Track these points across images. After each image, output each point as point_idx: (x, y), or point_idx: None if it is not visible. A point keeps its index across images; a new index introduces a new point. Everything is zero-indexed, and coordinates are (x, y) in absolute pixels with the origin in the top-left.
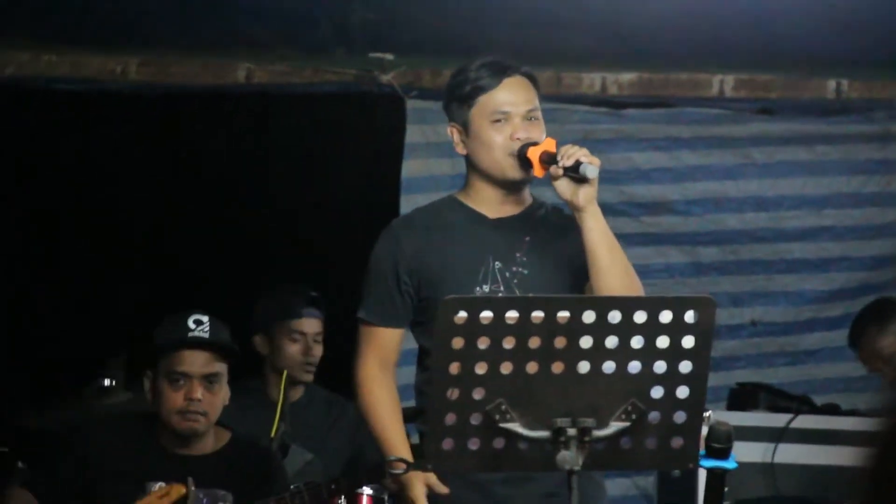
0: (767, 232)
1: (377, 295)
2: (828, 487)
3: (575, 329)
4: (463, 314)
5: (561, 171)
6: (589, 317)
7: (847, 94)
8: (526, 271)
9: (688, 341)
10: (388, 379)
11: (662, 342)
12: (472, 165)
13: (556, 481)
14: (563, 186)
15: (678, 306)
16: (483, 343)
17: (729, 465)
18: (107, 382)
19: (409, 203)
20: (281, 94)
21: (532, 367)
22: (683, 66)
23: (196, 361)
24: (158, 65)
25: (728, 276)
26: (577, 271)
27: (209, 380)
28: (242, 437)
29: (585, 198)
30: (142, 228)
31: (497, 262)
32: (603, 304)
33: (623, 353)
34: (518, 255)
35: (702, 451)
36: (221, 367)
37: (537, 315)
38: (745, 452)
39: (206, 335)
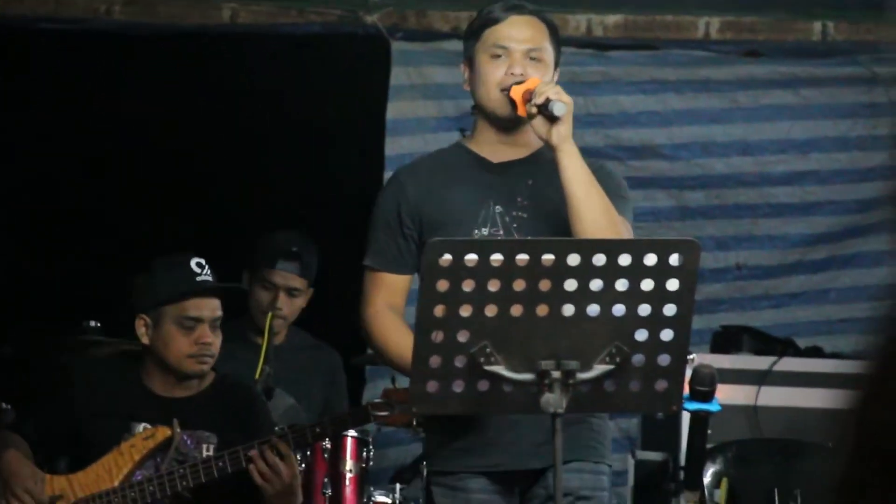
0: (753, 176)
1: (382, 241)
2: (811, 430)
3: (560, 272)
4: (448, 257)
5: (535, 110)
6: (574, 259)
7: (833, 37)
8: (526, 215)
9: (672, 284)
10: (397, 317)
11: (647, 285)
12: (474, 101)
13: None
14: (538, 125)
15: (663, 249)
16: (468, 286)
17: (712, 407)
18: (92, 323)
19: (393, 145)
20: (265, 35)
21: (517, 310)
22: (669, 8)
23: (208, 307)
24: (143, 4)
25: (713, 219)
26: None
27: (214, 323)
28: (226, 377)
29: (559, 136)
30: (123, 169)
31: (497, 206)
32: (588, 247)
33: (608, 296)
34: (519, 199)
35: (686, 393)
36: (221, 310)
37: (522, 258)
38: (729, 395)
39: (212, 279)
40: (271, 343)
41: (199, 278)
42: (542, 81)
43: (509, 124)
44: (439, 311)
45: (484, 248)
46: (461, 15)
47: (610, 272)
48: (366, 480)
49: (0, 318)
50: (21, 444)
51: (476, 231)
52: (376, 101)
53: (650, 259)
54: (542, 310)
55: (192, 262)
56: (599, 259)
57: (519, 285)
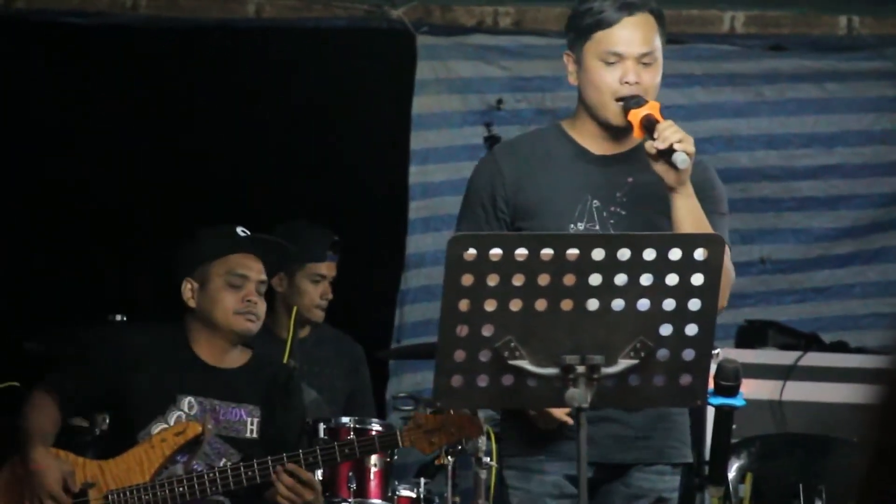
0: (778, 170)
1: (473, 221)
2: (836, 425)
3: (584, 266)
4: (472, 251)
5: (654, 151)
6: (598, 254)
7: (858, 31)
8: (624, 212)
9: (697, 279)
10: None
11: (672, 280)
12: (580, 97)
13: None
14: (657, 164)
15: (687, 244)
16: (492, 280)
17: (737, 402)
18: (118, 317)
19: (419, 140)
20: (290, 29)
21: (541, 305)
22: (694, 2)
23: (253, 266)
24: None
25: (738, 213)
26: None
27: (259, 288)
28: (263, 354)
29: (677, 180)
30: (147, 165)
31: (595, 201)
32: (612, 242)
33: (632, 291)
34: (618, 194)
35: (710, 388)
36: (266, 278)
37: (546, 252)
38: (754, 390)
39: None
40: (297, 337)
41: (244, 237)
42: (666, 123)
43: (618, 131)
44: (464, 305)
45: (508, 243)
46: (486, 9)
47: (635, 267)
48: (390, 475)
49: (25, 316)
50: (49, 427)
51: (572, 225)
52: (402, 96)
53: (675, 254)
54: (566, 304)
55: (237, 228)
56: (624, 254)
57: (543, 280)
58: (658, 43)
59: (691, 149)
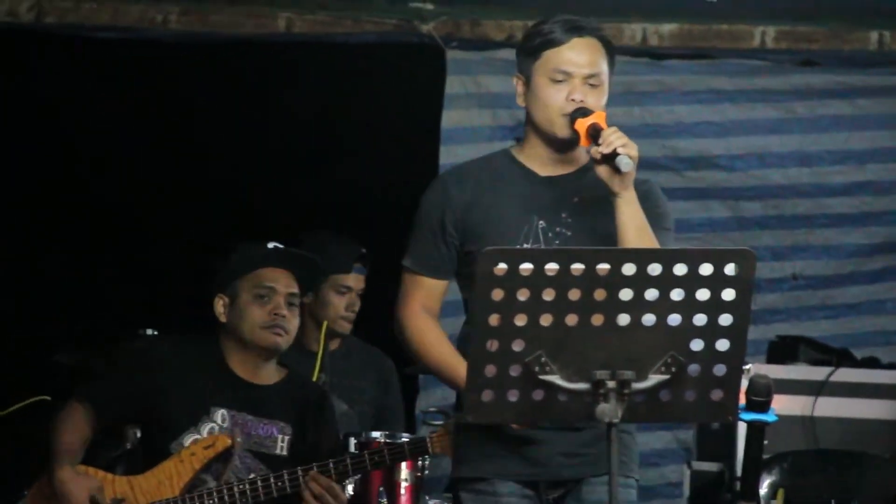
0: (810, 187)
1: (423, 244)
2: (868, 441)
3: (615, 281)
4: (503, 266)
5: (599, 156)
6: (629, 269)
7: (889, 46)
8: (569, 232)
9: (728, 294)
10: (433, 320)
11: (703, 295)
12: (528, 118)
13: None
14: (601, 169)
15: (718, 259)
16: (523, 295)
17: (769, 418)
18: (148, 332)
19: (448, 154)
20: (320, 44)
21: (572, 320)
22: (724, 17)
23: (281, 278)
24: (198, 14)
25: (770, 230)
26: None
27: (290, 300)
28: (298, 374)
29: (621, 185)
30: (178, 176)
31: (541, 221)
32: (643, 257)
33: (663, 306)
34: (563, 215)
35: (742, 404)
36: (298, 289)
37: (577, 267)
38: (785, 405)
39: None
40: (327, 351)
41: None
42: (611, 129)
43: (565, 146)
44: (494, 320)
45: (539, 258)
46: (515, 24)
47: (665, 282)
48: (421, 489)
49: (54, 327)
50: (77, 445)
51: (518, 245)
52: (431, 110)
53: (706, 269)
54: (597, 319)
55: (269, 244)
56: (655, 269)
57: (574, 295)
58: (605, 68)
59: (634, 153)
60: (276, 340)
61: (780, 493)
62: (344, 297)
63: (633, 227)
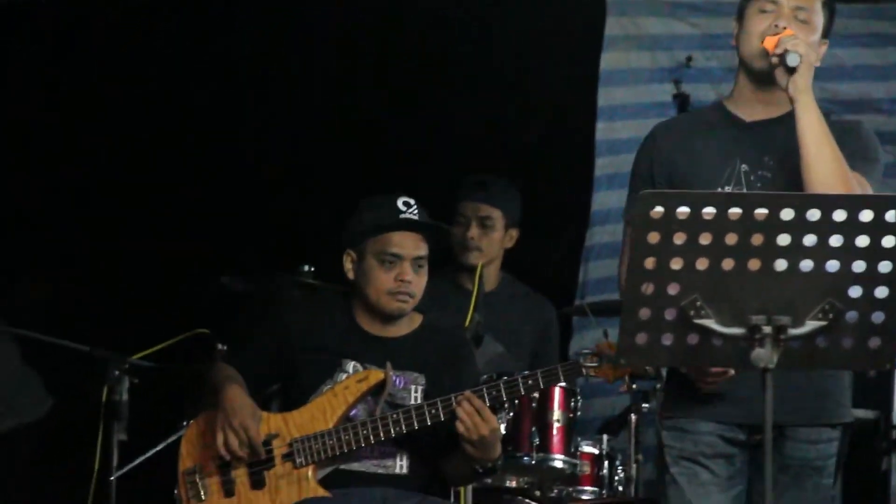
0: None
1: (635, 192)
2: None
3: (773, 226)
4: (659, 209)
5: (776, 60)
6: (787, 214)
7: None
8: (770, 175)
9: (888, 241)
10: None
11: (862, 241)
12: (739, 60)
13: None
14: (779, 75)
15: (879, 205)
16: (679, 238)
17: None
18: (306, 268)
19: (607, 96)
20: None
21: (728, 264)
22: None
23: (408, 244)
24: None
25: None
26: None
27: (417, 262)
28: (433, 321)
29: (795, 87)
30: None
31: (744, 165)
32: (802, 202)
33: (821, 252)
34: (766, 158)
35: None
36: (426, 250)
37: (734, 211)
38: None
39: (417, 217)
40: (481, 291)
41: (402, 215)
42: (791, 34)
43: (765, 77)
44: (650, 263)
45: (696, 201)
46: None
47: (824, 227)
48: (573, 430)
49: (218, 253)
50: (241, 380)
51: (719, 189)
52: (590, 52)
53: (866, 215)
54: (753, 264)
55: (399, 201)
56: (814, 214)
57: (731, 239)
58: (819, 10)
59: (803, 49)
60: (400, 307)
61: None
62: (462, 226)
63: (812, 134)
